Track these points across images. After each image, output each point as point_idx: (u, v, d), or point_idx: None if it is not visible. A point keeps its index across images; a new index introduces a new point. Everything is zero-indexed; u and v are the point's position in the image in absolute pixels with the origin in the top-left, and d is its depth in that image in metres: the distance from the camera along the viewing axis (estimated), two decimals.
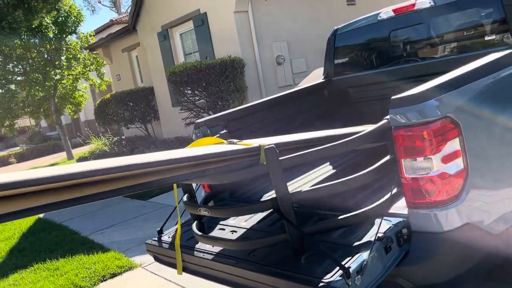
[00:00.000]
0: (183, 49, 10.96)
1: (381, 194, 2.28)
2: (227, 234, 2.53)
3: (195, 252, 2.46)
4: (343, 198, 2.44)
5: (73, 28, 15.37)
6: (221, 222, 2.76)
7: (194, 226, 2.54)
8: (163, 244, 2.72)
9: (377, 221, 2.18)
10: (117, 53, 14.42)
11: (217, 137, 2.59)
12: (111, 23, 24.68)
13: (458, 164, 2.00)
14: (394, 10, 3.65)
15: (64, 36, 15.23)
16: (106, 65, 16.35)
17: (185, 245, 2.56)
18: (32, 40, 14.12)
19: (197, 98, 8.62)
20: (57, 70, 15.10)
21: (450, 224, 2.00)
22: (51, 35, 14.66)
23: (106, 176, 1.67)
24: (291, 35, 9.64)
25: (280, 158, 1.98)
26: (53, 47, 14.87)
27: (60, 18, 14.52)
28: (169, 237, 2.81)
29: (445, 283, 2.05)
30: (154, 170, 1.86)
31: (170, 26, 10.73)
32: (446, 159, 1.97)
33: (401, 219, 2.10)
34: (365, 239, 2.06)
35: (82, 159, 12.97)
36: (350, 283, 1.78)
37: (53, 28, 14.38)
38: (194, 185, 3.04)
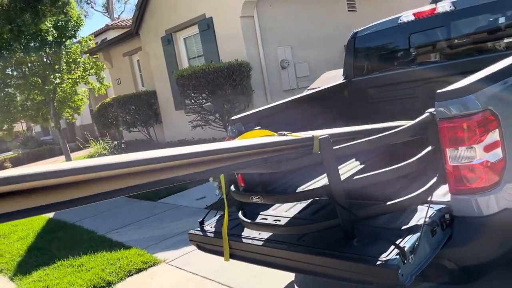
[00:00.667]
0: (187, 53, 11.10)
1: (415, 183, 2.46)
2: (271, 223, 2.66)
3: (243, 239, 2.59)
4: (382, 187, 2.59)
5: (73, 32, 15.43)
6: (261, 213, 2.89)
7: (240, 215, 2.67)
8: (207, 233, 2.84)
9: (420, 207, 2.35)
10: (118, 57, 14.50)
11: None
12: (107, 28, 24.76)
13: (497, 153, 2.16)
14: (414, 14, 3.83)
15: (64, 40, 15.30)
16: (106, 69, 16.39)
17: (231, 233, 2.68)
18: (31, 44, 14.16)
19: (204, 101, 8.75)
20: (56, 74, 15.13)
21: (490, 209, 2.16)
22: (51, 39, 14.72)
23: (173, 163, 1.79)
24: (295, 40, 9.83)
25: (334, 147, 2.13)
26: (53, 50, 14.92)
27: (60, 23, 14.59)
28: (211, 227, 2.93)
29: (485, 264, 2.21)
30: (219, 157, 1.99)
31: (175, 30, 10.87)
32: (488, 149, 2.13)
33: (443, 206, 2.26)
34: (411, 224, 2.21)
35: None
36: (405, 262, 1.92)
37: (53, 32, 14.43)
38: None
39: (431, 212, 2.21)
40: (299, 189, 3.15)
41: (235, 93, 8.53)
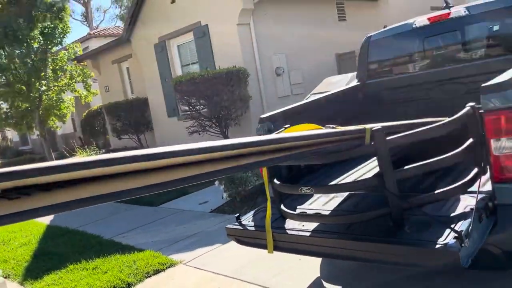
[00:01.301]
0: (181, 60, 11.13)
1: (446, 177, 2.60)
2: (325, 214, 2.74)
3: (287, 231, 2.65)
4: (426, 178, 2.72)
5: (59, 39, 15.29)
6: (298, 207, 2.96)
7: (283, 207, 2.73)
8: (247, 227, 2.89)
9: (462, 197, 2.47)
10: (107, 65, 14.41)
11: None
12: (89, 36, 24.58)
13: None
14: (429, 19, 4.00)
15: (50, 47, 15.13)
16: (93, 77, 16.24)
17: (273, 226, 2.74)
18: (17, 51, 13.95)
19: (202, 107, 8.79)
20: (42, 81, 14.92)
21: None
22: (36, 46, 14.54)
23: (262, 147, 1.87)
24: (289, 48, 10.00)
25: (387, 138, 2.23)
26: (39, 58, 14.73)
27: (46, 30, 14.43)
28: (249, 221, 2.98)
29: None
30: (290, 145, 2.06)
31: (168, 37, 10.90)
32: None
33: (485, 195, 2.38)
34: (458, 212, 2.32)
35: None
36: (463, 245, 2.02)
37: (40, 38, 14.26)
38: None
39: (474, 200, 2.33)
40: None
41: (233, 98, 8.61)
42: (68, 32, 15.47)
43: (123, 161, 1.37)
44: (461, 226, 2.14)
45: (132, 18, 11.59)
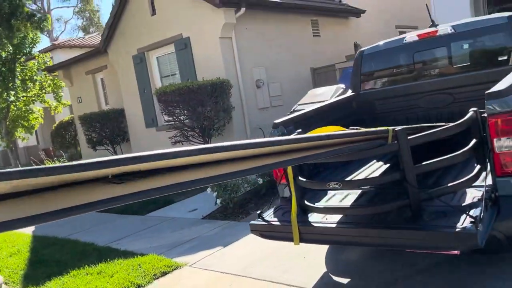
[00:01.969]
0: (160, 72, 11.25)
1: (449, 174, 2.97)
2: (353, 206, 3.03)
3: (312, 223, 2.91)
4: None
5: (29, 49, 15.06)
6: (317, 204, 3.22)
7: (307, 202, 2.99)
8: (271, 222, 3.12)
9: (468, 190, 2.82)
10: (80, 76, 14.27)
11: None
12: (54, 47, 24.10)
13: None
14: (418, 35, 4.42)
15: (19, 57, 14.86)
16: (64, 87, 15.99)
17: (297, 220, 2.99)
18: None
19: (185, 117, 8.95)
20: (11, 92, 14.60)
21: None
22: (4, 55, 14.27)
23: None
24: (268, 61, 10.36)
25: (408, 138, 2.55)
26: (7, 67, 14.44)
27: (16, 39, 14.18)
28: (271, 217, 3.21)
29: None
30: (317, 144, 2.32)
31: (148, 49, 11.02)
32: None
33: (488, 187, 2.73)
34: (468, 202, 2.66)
35: None
36: (478, 228, 2.35)
37: (10, 48, 14.01)
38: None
39: (482, 192, 2.68)
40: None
41: (217, 109, 8.82)
42: (38, 42, 15.30)
43: (223, 149, 1.60)
44: (474, 212, 2.47)
45: (111, 29, 11.61)
